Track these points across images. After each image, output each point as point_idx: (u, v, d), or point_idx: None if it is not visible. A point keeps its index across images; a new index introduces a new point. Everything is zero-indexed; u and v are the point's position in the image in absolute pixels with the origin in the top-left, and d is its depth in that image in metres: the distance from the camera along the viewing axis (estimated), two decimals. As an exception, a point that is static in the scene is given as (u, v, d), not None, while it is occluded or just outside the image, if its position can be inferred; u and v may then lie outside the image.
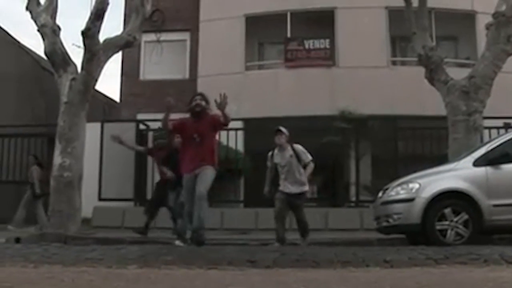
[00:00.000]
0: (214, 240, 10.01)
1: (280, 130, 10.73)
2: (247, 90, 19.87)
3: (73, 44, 34.44)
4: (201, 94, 9.74)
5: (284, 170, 10.68)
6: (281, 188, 10.74)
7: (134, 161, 15.92)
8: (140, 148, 14.02)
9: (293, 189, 10.65)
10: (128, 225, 13.43)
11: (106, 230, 13.40)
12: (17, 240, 10.84)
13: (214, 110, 9.40)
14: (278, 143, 10.71)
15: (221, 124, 9.32)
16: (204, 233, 8.95)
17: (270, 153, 10.97)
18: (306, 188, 10.86)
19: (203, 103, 9.38)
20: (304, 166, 10.68)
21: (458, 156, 10.50)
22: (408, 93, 18.70)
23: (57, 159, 12.24)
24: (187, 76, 22.28)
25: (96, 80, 12.83)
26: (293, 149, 10.70)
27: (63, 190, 12.03)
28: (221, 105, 9.08)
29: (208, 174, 9.17)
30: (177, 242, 10.09)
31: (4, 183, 17.43)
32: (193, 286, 4.82)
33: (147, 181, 15.89)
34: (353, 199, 16.21)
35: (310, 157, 10.74)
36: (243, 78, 20.90)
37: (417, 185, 9.45)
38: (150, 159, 15.04)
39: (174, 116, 9.42)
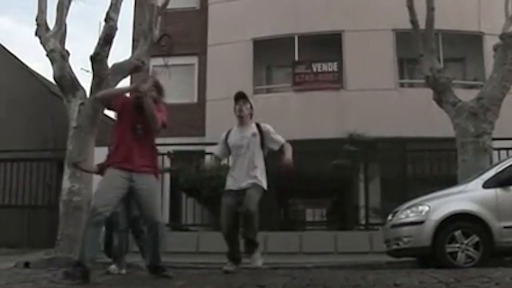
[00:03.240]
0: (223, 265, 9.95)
1: (244, 96, 8.20)
2: (255, 113, 19.84)
3: (81, 69, 34.68)
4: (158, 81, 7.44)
5: (240, 153, 7.96)
6: (228, 185, 8.03)
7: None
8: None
9: (243, 184, 7.81)
10: (137, 250, 13.38)
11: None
12: (26, 265, 10.86)
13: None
14: (239, 114, 8.10)
15: (164, 121, 6.94)
16: (166, 271, 6.99)
17: (224, 133, 8.33)
18: (263, 182, 7.95)
19: (149, 81, 7.10)
20: (279, 150, 8.01)
21: (468, 178, 10.46)
22: (416, 115, 18.67)
23: (66, 183, 12.27)
24: (195, 100, 22.34)
25: (105, 105, 12.85)
26: (258, 127, 8.11)
27: (72, 215, 12.04)
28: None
29: (156, 192, 7.09)
30: (113, 267, 8.62)
31: (13, 207, 17.44)
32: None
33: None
34: (363, 222, 16.13)
35: (282, 139, 8.14)
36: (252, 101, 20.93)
37: (426, 208, 9.40)
38: (159, 181, 15.02)
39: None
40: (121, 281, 7.29)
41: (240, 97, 8.14)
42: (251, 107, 8.18)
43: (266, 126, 8.13)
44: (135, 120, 6.77)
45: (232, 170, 8.06)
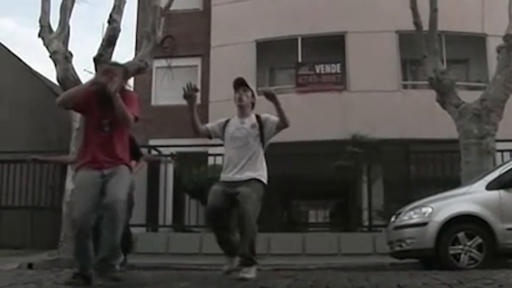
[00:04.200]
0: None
1: (244, 83, 7.32)
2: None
3: (85, 70, 34.75)
4: (114, 66, 6.43)
5: (236, 146, 7.07)
6: (222, 177, 7.10)
7: (146, 186, 15.90)
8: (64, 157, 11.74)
9: (238, 176, 6.89)
10: (140, 251, 13.40)
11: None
12: (30, 266, 10.87)
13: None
14: (239, 104, 7.25)
15: (133, 114, 6.14)
16: (116, 266, 6.16)
17: (224, 120, 7.42)
18: (263, 177, 7.06)
19: (116, 79, 6.11)
20: (278, 130, 7.21)
21: (471, 180, 10.45)
22: (419, 116, 18.66)
23: (69, 184, 12.27)
24: (198, 101, 22.32)
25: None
26: (258, 118, 7.22)
27: (75, 216, 12.04)
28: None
29: (124, 176, 6.22)
30: None
31: (16, 209, 17.45)
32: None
33: (159, 206, 15.85)
34: (366, 223, 16.10)
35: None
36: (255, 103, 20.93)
37: (430, 209, 9.40)
38: (162, 182, 15.04)
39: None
40: (124, 282, 7.28)
41: (240, 84, 7.29)
42: (253, 95, 7.33)
43: (266, 115, 7.21)
44: (100, 116, 6.15)
45: (226, 166, 7.09)
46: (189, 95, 6.90)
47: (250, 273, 6.51)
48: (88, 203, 5.95)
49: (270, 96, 6.80)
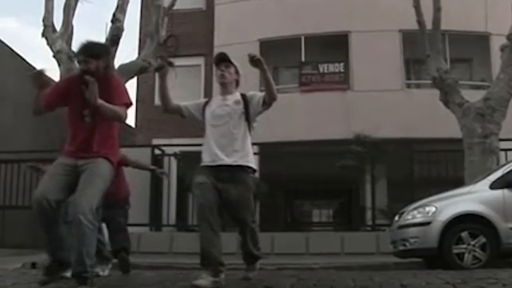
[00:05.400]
0: (230, 265, 9.95)
1: (225, 58, 6.47)
2: (261, 114, 19.84)
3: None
4: (92, 46, 5.79)
5: (218, 124, 6.25)
6: (205, 161, 6.27)
7: (150, 185, 15.90)
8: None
9: (224, 160, 6.09)
10: (144, 250, 13.40)
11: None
12: (33, 265, 10.87)
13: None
14: (221, 81, 6.45)
15: (123, 102, 5.65)
16: (89, 273, 5.37)
17: (204, 100, 6.76)
18: (250, 161, 6.26)
19: (93, 64, 5.59)
20: (266, 105, 6.38)
21: (475, 179, 10.44)
22: (423, 116, 18.64)
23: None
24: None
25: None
26: (243, 96, 6.41)
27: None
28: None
29: (95, 176, 5.53)
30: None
31: (20, 208, 17.47)
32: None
33: (162, 206, 15.85)
34: (369, 223, 16.11)
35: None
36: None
37: (433, 209, 9.39)
38: (166, 182, 15.02)
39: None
40: (128, 282, 7.29)
41: (221, 59, 6.46)
42: (237, 71, 6.51)
43: (252, 92, 6.50)
44: (80, 106, 5.60)
45: (208, 148, 6.24)
46: (161, 66, 6.31)
47: (254, 271, 6.39)
48: (50, 185, 5.48)
49: (256, 62, 6.01)
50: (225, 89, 6.42)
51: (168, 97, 6.39)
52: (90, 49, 5.70)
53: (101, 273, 7.70)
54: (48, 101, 5.75)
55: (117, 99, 5.56)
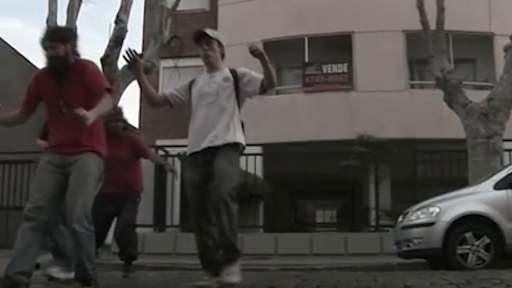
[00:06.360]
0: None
1: (204, 35, 6.05)
2: (265, 115, 19.83)
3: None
4: (57, 29, 5.74)
5: (206, 103, 5.84)
6: (190, 147, 5.86)
7: (153, 185, 15.89)
8: None
9: (210, 141, 5.67)
10: (148, 251, 13.41)
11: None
12: (37, 266, 10.85)
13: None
14: (206, 61, 6.15)
15: (104, 88, 5.24)
16: (91, 275, 5.24)
17: (189, 80, 6.27)
18: (238, 138, 5.79)
19: (61, 49, 5.19)
20: (263, 90, 5.91)
21: (478, 179, 10.43)
22: (426, 116, 18.63)
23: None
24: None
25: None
26: (233, 72, 6.11)
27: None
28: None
29: (86, 173, 5.22)
30: (54, 270, 7.40)
31: (22, 209, 17.47)
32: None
33: (166, 206, 15.86)
34: (373, 223, 16.10)
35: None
36: (262, 103, 20.88)
37: (437, 209, 9.38)
38: (169, 182, 15.01)
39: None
40: (132, 283, 7.30)
41: (200, 36, 6.05)
42: (219, 44, 6.17)
43: (243, 69, 6.11)
44: (54, 97, 5.26)
45: (196, 131, 5.81)
46: (133, 63, 5.78)
47: (234, 276, 5.35)
48: (41, 203, 5.30)
49: (257, 54, 5.66)
50: (212, 66, 6.12)
51: (150, 92, 6.00)
52: (56, 32, 5.40)
53: (55, 275, 7.27)
54: (24, 111, 5.60)
55: (97, 85, 5.23)
